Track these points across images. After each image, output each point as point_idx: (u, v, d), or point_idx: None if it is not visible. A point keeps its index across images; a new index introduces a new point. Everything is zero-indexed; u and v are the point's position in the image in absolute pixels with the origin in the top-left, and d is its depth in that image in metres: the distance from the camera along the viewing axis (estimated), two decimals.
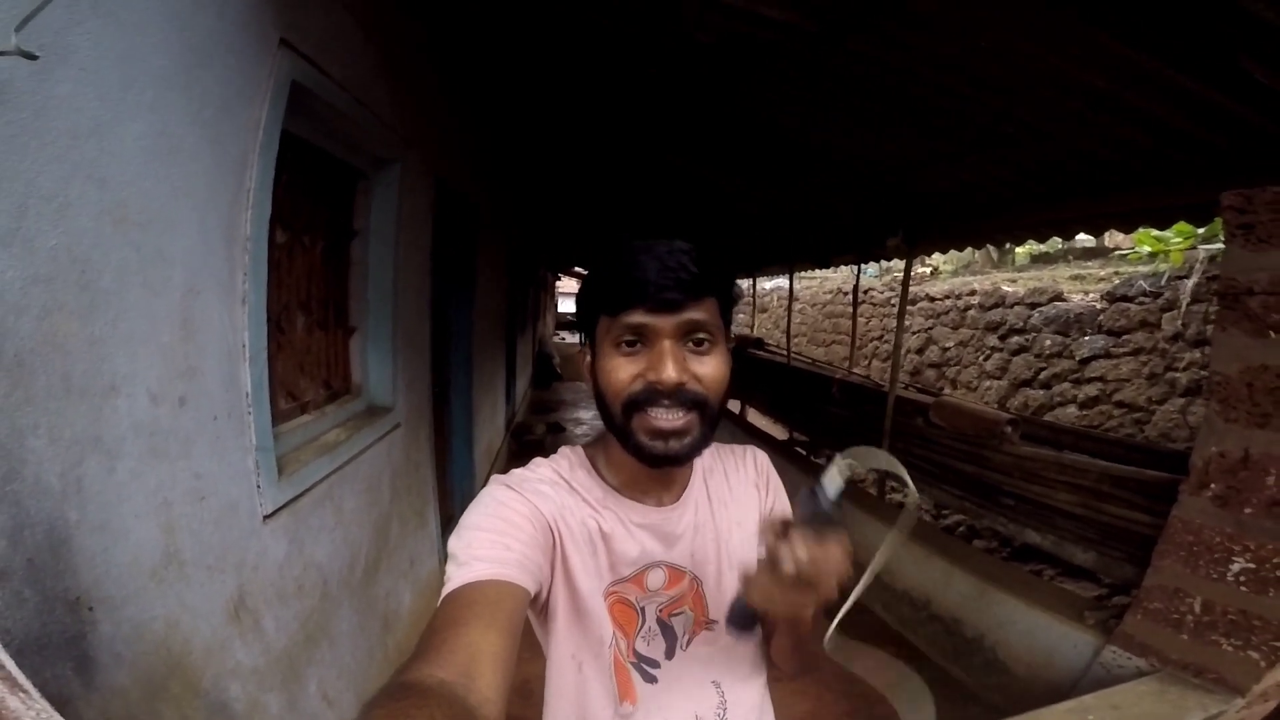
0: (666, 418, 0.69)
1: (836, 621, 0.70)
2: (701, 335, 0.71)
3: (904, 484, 0.65)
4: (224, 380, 1.24)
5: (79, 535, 0.87)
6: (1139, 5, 1.33)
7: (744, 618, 0.72)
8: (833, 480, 0.63)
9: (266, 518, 1.39)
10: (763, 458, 0.94)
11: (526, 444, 6.53)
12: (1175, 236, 4.15)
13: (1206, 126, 1.68)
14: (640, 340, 0.70)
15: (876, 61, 1.91)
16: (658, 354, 0.69)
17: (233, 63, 1.20)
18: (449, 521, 3.40)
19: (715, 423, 0.74)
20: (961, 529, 5.27)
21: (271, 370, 1.52)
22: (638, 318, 0.69)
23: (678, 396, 0.69)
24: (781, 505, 0.92)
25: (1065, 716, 1.64)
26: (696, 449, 0.72)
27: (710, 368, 0.71)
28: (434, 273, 2.89)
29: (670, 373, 0.67)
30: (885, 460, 0.66)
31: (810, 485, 0.63)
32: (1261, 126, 1.58)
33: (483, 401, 4.52)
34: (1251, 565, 1.66)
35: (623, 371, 0.70)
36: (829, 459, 0.66)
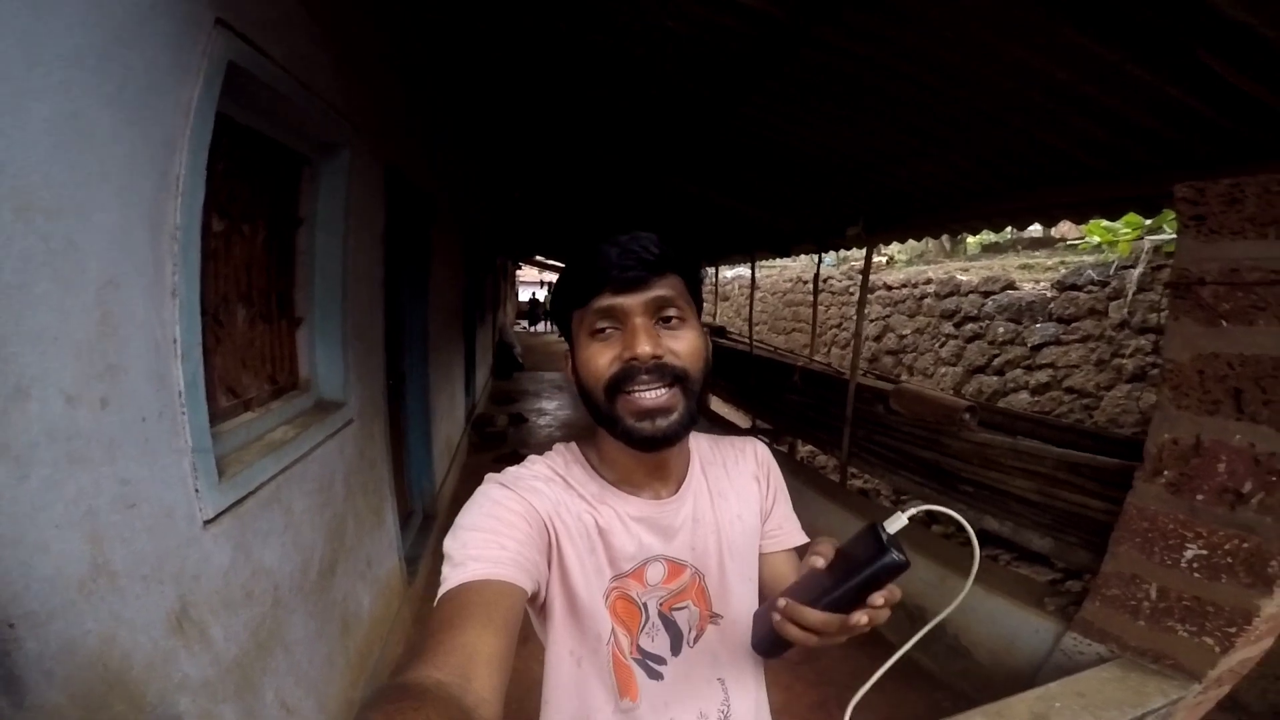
0: (649, 395, 0.69)
1: (863, 692, 0.74)
2: (671, 311, 0.71)
3: (966, 531, 0.69)
4: (153, 379, 1.15)
5: None
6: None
7: (772, 646, 0.73)
8: (896, 521, 0.64)
9: (207, 523, 1.31)
10: (763, 450, 0.94)
11: (488, 436, 6.39)
12: (1124, 227, 4.28)
13: (1161, 119, 1.71)
14: (612, 324, 0.70)
15: (842, 52, 1.89)
16: (630, 332, 0.69)
17: (158, 42, 1.11)
18: (408, 519, 3.31)
19: (699, 398, 0.73)
20: (921, 515, 5.39)
21: (209, 366, 1.43)
22: (605, 300, 0.70)
23: (657, 371, 0.69)
24: (782, 498, 0.92)
25: (1032, 704, 1.67)
26: (684, 426, 0.72)
27: (685, 343, 0.71)
28: (387, 262, 2.78)
29: (645, 346, 0.68)
30: (950, 511, 0.71)
31: (871, 524, 0.64)
32: (1213, 120, 1.61)
33: (441, 394, 4.41)
34: (1204, 552, 1.70)
35: (600, 358, 0.71)
36: (897, 505, 0.70)
